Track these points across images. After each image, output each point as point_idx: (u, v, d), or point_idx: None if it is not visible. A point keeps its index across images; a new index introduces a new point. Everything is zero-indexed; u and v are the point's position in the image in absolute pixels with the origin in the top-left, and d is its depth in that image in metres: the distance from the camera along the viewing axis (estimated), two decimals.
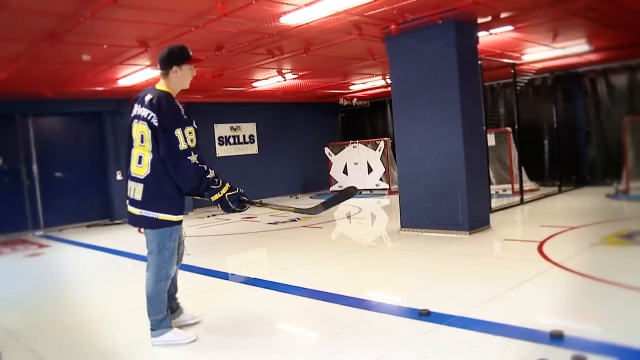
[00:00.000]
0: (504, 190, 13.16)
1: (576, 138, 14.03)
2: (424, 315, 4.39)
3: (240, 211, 4.18)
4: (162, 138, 3.96)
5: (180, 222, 4.21)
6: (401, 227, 8.78)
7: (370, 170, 16.08)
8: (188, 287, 6.34)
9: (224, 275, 6.83)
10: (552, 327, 3.83)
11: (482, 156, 8.65)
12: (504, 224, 8.90)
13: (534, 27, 8.97)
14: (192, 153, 3.95)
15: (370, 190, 16.15)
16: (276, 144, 17.30)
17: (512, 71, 11.32)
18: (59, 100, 12.45)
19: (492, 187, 12.22)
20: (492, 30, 8.78)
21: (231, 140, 16.38)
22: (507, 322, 4.14)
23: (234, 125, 16.45)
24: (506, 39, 9.67)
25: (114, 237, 11.09)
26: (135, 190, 4.09)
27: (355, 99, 17.57)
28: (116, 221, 13.24)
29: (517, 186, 11.87)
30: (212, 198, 4.03)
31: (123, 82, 10.97)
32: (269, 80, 12.49)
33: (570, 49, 11.13)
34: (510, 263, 6.43)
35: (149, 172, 4.03)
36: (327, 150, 17.10)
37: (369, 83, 14.65)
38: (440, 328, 4.12)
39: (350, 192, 4.82)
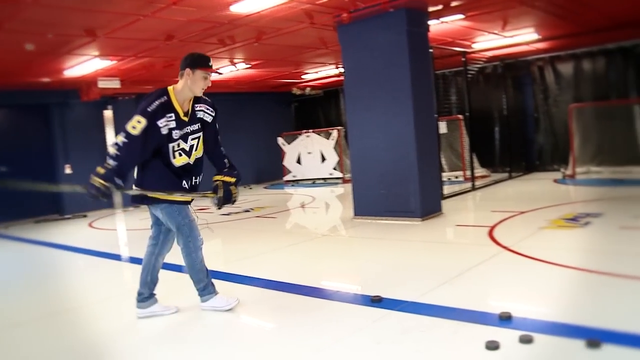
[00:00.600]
0: (456, 177, 13.37)
1: (525, 125, 14.34)
2: (376, 301, 4.42)
3: (94, 196, 4.08)
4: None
5: (176, 202, 4.36)
6: (354, 215, 8.82)
7: (323, 159, 16.11)
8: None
9: (177, 268, 6.73)
10: (501, 309, 3.91)
11: (434, 144, 8.75)
12: (456, 210, 9.04)
13: (484, 16, 9.09)
14: (122, 134, 4.06)
15: (324, 179, 16.18)
16: (228, 134, 16.99)
17: (463, 59, 11.46)
18: (2, 92, 12.09)
19: (444, 174, 12.40)
20: (443, 19, 8.87)
21: None
22: (458, 305, 4.21)
23: None
24: (457, 27, 9.78)
25: (63, 233, 10.85)
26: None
27: (308, 89, 17.54)
28: (66, 216, 12.95)
29: (468, 173, 12.06)
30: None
31: (70, 73, 10.72)
32: (221, 70, 12.36)
33: (520, 38, 11.34)
34: (461, 248, 6.54)
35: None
36: (280, 140, 17.03)
37: (321, 72, 14.65)
38: (392, 314, 4.16)
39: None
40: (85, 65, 10.09)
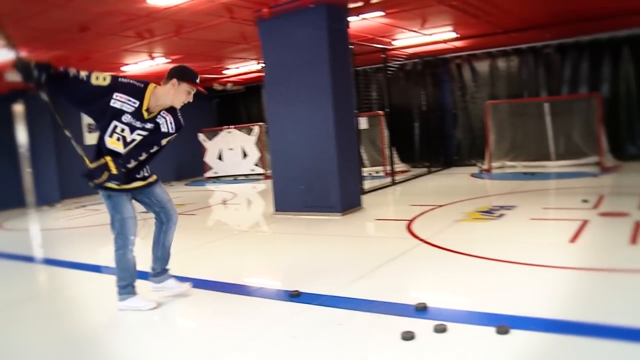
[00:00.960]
0: (377, 172, 13.55)
1: (444, 121, 14.71)
2: (295, 296, 4.42)
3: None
4: None
5: (113, 190, 4.30)
6: (275, 210, 8.80)
7: (245, 155, 16.00)
8: (55, 281, 6.09)
9: (95, 268, 6.51)
10: (417, 301, 3.98)
11: (353, 139, 8.82)
12: (376, 204, 9.16)
13: (403, 14, 9.25)
14: (83, 74, 4.13)
15: (245, 175, 16.08)
16: None
17: (383, 56, 11.63)
18: None
19: (365, 169, 12.57)
20: (363, 15, 8.96)
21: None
22: (375, 298, 4.27)
23: None
24: (377, 24, 9.91)
25: None
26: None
27: (229, 84, 17.36)
28: None
29: (389, 168, 12.25)
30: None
31: None
32: (140, 65, 12.06)
33: (438, 36, 11.61)
34: (380, 242, 6.64)
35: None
36: (201, 136, 16.79)
37: (243, 67, 14.53)
38: (310, 308, 4.17)
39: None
40: None
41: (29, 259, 7.53)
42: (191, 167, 17.53)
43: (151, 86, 4.27)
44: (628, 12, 10.00)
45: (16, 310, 4.94)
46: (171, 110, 4.40)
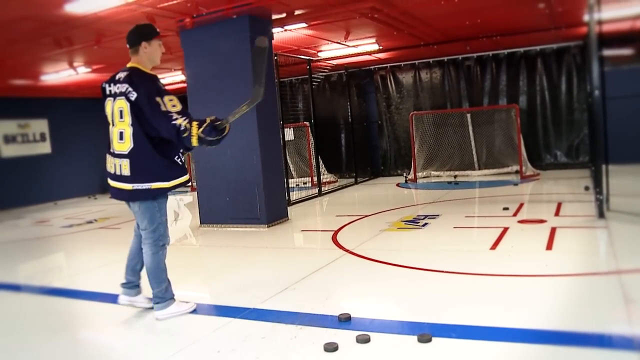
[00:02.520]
0: (305, 183, 13.57)
1: (370, 131, 14.89)
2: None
3: (222, 136, 4.15)
4: (145, 109, 4.00)
5: (176, 187, 4.25)
6: (201, 223, 8.67)
7: None
8: None
9: (14, 287, 6.21)
10: (341, 311, 3.99)
11: (278, 150, 8.79)
12: (302, 215, 9.16)
13: (326, 25, 9.29)
14: (179, 115, 3.97)
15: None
16: (72, 142, 16.14)
17: (308, 67, 11.67)
18: None
19: (293, 180, 12.58)
20: (286, 27, 8.95)
21: (19, 138, 14.95)
22: (299, 310, 4.24)
23: (22, 122, 15.04)
24: (301, 35, 9.93)
25: None
26: (122, 166, 4.14)
27: None
28: None
29: (316, 178, 12.28)
30: (193, 144, 3.99)
31: None
32: (60, 74, 11.66)
33: (362, 48, 11.75)
34: (305, 253, 6.63)
35: (132, 146, 4.09)
36: None
37: (168, 78, 14.27)
38: (233, 322, 4.10)
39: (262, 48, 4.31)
40: None
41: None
42: None
43: (133, 64, 4.26)
44: (538, 29, 10.49)
45: None
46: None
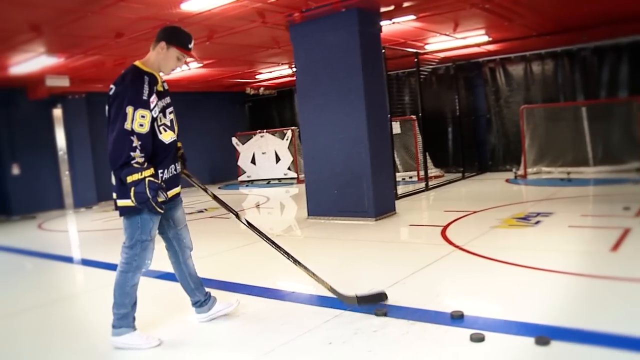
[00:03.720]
0: (410, 177, 13.46)
1: (478, 125, 14.53)
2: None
3: (154, 207, 3.54)
4: (111, 108, 3.62)
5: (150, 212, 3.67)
6: (308, 215, 8.79)
7: (278, 159, 16.03)
8: (93, 282, 6.14)
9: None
10: (453, 308, 3.92)
11: (387, 143, 8.77)
12: (410, 209, 9.08)
13: (435, 17, 9.15)
14: (136, 138, 3.52)
15: (278, 179, 16.11)
16: (182, 134, 16.67)
17: (416, 60, 11.53)
18: None
19: (398, 174, 12.49)
20: (395, 19, 8.89)
21: None
22: (410, 305, 4.20)
23: None
24: (409, 28, 9.83)
25: (10, 235, 10.50)
26: (112, 176, 3.69)
27: (262, 88, 17.44)
28: (13, 217, 12.56)
29: (422, 173, 12.15)
30: (128, 179, 3.47)
31: (16, 70, 10.39)
32: (175, 70, 12.12)
33: (471, 40, 11.48)
34: (414, 248, 6.56)
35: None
36: (234, 140, 16.87)
37: (275, 72, 14.57)
38: (344, 314, 4.12)
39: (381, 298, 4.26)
40: (32, 62, 9.79)
41: (67, 259, 7.64)
42: (224, 171, 17.65)
43: (138, 62, 3.82)
44: None
45: (53, 309, 5.01)
46: None
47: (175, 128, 4.02)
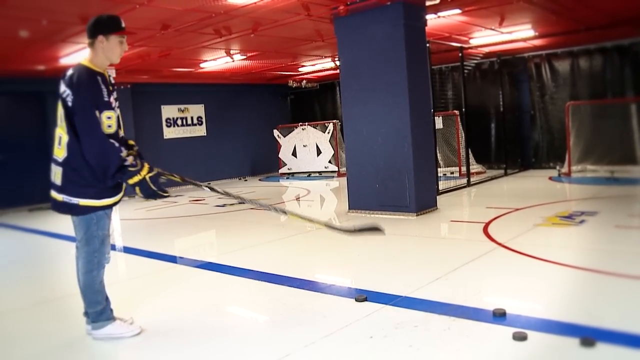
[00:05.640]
0: (452, 173, 13.35)
1: (522, 121, 14.31)
2: (361, 301, 4.34)
3: (162, 196, 3.74)
4: (76, 118, 3.59)
5: (106, 207, 3.82)
6: (349, 209, 8.80)
7: (319, 152, 16.07)
8: (135, 270, 6.28)
9: (171, 259, 6.71)
10: (495, 306, 3.89)
11: (430, 138, 8.72)
12: (451, 205, 9.02)
13: (481, 11, 9.04)
14: (101, 142, 3.60)
15: (319, 172, 16.15)
16: (224, 126, 17.05)
17: (460, 55, 11.41)
18: None
19: (440, 169, 12.38)
20: (440, 13, 8.82)
21: (179, 122, 16.06)
22: (451, 301, 4.19)
23: (182, 106, 16.13)
24: (454, 22, 9.73)
25: (56, 221, 10.73)
26: (55, 174, 3.73)
27: (304, 81, 17.49)
28: None
29: (464, 169, 12.04)
30: (129, 181, 3.63)
31: (66, 61, 10.62)
32: (217, 61, 12.29)
33: (516, 34, 11.30)
34: (455, 244, 6.53)
35: (66, 154, 3.66)
36: (275, 132, 16.99)
37: (318, 65, 14.58)
38: (385, 308, 4.13)
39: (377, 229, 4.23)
40: (81, 53, 9.99)
41: (111, 247, 7.78)
42: (265, 163, 17.79)
43: (86, 62, 3.77)
44: None
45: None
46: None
47: (121, 124, 3.97)
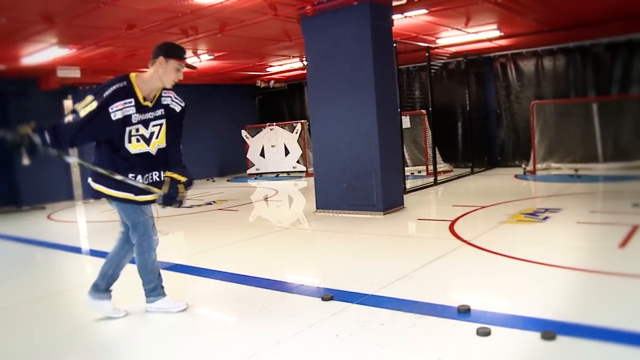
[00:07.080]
0: (419, 172, 13.45)
1: (488, 120, 14.49)
2: (327, 300, 4.35)
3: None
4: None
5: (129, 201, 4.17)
6: (317, 208, 8.81)
7: (287, 152, 16.06)
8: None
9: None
10: (460, 302, 3.94)
11: (397, 138, 8.78)
12: (418, 204, 9.09)
13: (447, 11, 9.12)
14: (71, 115, 3.89)
15: (287, 172, 16.15)
16: (192, 126, 16.72)
17: (427, 54, 11.49)
18: None
19: (407, 168, 12.48)
20: (406, 13, 8.87)
21: None
22: (417, 299, 4.22)
23: None
24: (421, 22, 9.81)
25: (20, 225, 10.58)
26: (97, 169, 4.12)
27: (272, 81, 17.45)
28: (23, 208, 12.64)
29: (431, 167, 12.15)
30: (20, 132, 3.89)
31: (28, 61, 10.45)
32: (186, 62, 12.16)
33: (482, 34, 11.44)
34: (422, 242, 6.59)
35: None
36: (244, 132, 16.92)
37: (286, 65, 14.57)
38: (351, 307, 4.15)
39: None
40: (44, 53, 9.84)
41: (76, 249, 7.70)
42: (233, 164, 17.70)
43: (132, 75, 4.07)
44: None
45: (62, 297, 5.08)
46: (166, 88, 4.23)
47: (155, 142, 4.22)
